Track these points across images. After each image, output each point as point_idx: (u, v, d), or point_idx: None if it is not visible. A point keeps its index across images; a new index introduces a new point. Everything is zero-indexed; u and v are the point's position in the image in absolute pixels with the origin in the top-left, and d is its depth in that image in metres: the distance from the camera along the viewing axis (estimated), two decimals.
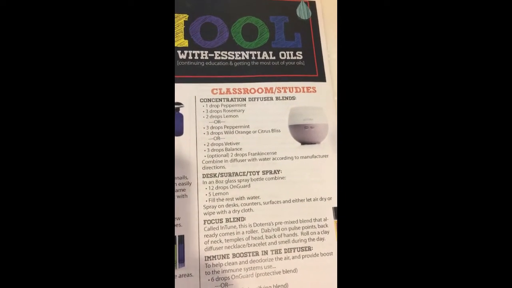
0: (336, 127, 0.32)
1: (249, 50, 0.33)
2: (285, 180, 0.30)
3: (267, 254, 0.28)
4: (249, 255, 0.27)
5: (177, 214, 0.27)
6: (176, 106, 0.30)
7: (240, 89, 0.32)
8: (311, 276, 0.28)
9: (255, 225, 0.28)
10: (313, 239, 0.29)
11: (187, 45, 0.32)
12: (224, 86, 0.32)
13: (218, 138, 0.30)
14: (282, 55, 0.34)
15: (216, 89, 0.31)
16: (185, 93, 0.31)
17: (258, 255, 0.27)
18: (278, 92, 0.32)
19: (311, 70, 0.34)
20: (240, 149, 0.30)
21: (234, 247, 0.27)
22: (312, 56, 0.34)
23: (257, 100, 0.32)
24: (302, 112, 0.32)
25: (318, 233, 0.29)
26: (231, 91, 0.32)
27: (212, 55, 0.32)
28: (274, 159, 0.30)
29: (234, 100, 0.31)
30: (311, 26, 0.35)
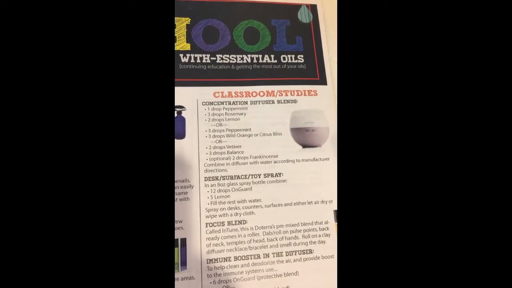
0: (337, 130, 0.32)
1: (251, 53, 0.33)
2: (287, 183, 0.30)
3: (268, 257, 0.28)
4: (251, 258, 0.27)
5: (179, 217, 0.27)
6: (178, 109, 0.30)
7: (242, 92, 0.32)
8: (312, 279, 0.28)
9: (256, 228, 0.28)
10: (314, 242, 0.29)
11: (189, 49, 0.32)
12: (226, 89, 0.32)
13: (220, 141, 0.30)
14: (284, 58, 0.34)
15: (218, 93, 0.32)
16: (187, 96, 0.31)
17: (259, 258, 0.28)
18: (279, 95, 0.32)
19: (313, 73, 0.34)
20: (242, 152, 0.30)
21: (235, 250, 0.28)
22: (313, 59, 0.34)
23: (259, 103, 0.32)
24: (303, 115, 0.32)
25: (319, 236, 0.29)
26: (233, 94, 0.32)
27: (214, 58, 0.32)
28: (275, 162, 0.30)
29: (235, 103, 0.32)
30: (313, 30, 0.35)
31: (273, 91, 0.32)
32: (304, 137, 0.31)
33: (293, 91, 0.33)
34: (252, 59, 0.33)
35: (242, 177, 0.29)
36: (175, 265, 0.26)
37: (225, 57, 0.33)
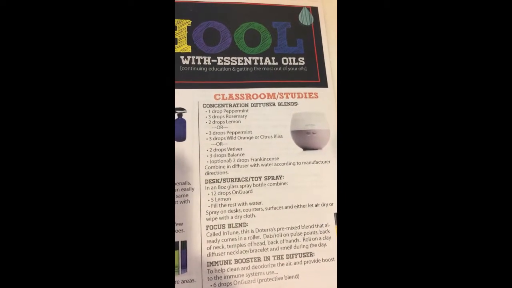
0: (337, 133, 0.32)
1: (252, 55, 0.33)
2: (287, 185, 0.30)
3: (269, 259, 0.28)
4: (251, 261, 0.27)
5: (179, 219, 0.27)
6: (179, 111, 0.30)
7: (243, 94, 0.32)
8: (313, 282, 0.28)
9: (257, 230, 0.28)
10: (315, 245, 0.29)
11: (190, 51, 0.32)
12: (226, 91, 0.32)
13: (221, 143, 0.30)
14: (285, 60, 0.34)
15: (219, 95, 0.32)
16: (188, 98, 0.31)
17: (260, 260, 0.28)
18: (280, 97, 0.32)
19: (313, 76, 0.34)
20: (243, 154, 0.30)
21: (236, 252, 0.27)
22: (314, 62, 0.34)
23: (260, 106, 0.32)
24: (304, 118, 0.32)
25: (320, 238, 0.29)
26: (234, 96, 0.32)
27: (215, 60, 0.32)
28: (276, 164, 0.30)
29: (236, 105, 0.31)
30: (313, 32, 0.35)
31: (274, 94, 0.32)
32: (304, 139, 0.31)
33: (294, 93, 0.33)
34: (253, 61, 0.33)
35: (243, 179, 0.29)
36: (176, 268, 0.26)
37: (226, 59, 0.33)
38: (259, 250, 0.28)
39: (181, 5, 0.33)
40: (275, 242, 0.28)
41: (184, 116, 0.30)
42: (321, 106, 0.33)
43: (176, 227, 0.27)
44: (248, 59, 0.33)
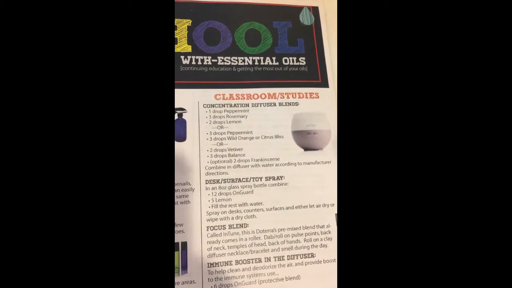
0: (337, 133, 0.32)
1: (252, 55, 0.33)
2: (288, 186, 0.30)
3: (270, 261, 0.28)
4: (252, 262, 0.27)
5: (180, 220, 0.27)
6: (179, 111, 0.30)
7: (243, 94, 0.32)
8: (314, 283, 0.28)
9: (258, 231, 0.28)
10: (316, 246, 0.29)
11: (190, 51, 0.32)
12: (227, 91, 0.32)
13: (221, 144, 0.30)
14: (285, 60, 0.34)
15: (219, 95, 0.31)
16: (188, 98, 0.31)
17: (261, 262, 0.27)
18: (281, 97, 0.32)
19: (314, 76, 0.34)
20: (243, 155, 0.30)
21: (237, 253, 0.27)
22: (315, 62, 0.34)
23: (260, 106, 0.32)
24: (305, 118, 0.32)
25: (321, 239, 0.29)
26: (234, 96, 0.32)
27: (215, 60, 0.32)
28: (277, 165, 0.30)
29: (237, 105, 0.31)
30: (314, 32, 0.35)
31: (274, 94, 0.32)
32: (305, 140, 0.31)
33: (295, 93, 0.33)
34: (253, 61, 0.33)
35: (243, 180, 0.29)
36: (176, 269, 0.26)
37: (227, 59, 0.32)
38: (260, 251, 0.28)
39: (181, 5, 0.33)
40: (276, 243, 0.28)
41: (185, 116, 0.30)
42: (322, 106, 0.33)
43: (176, 228, 0.27)
44: (249, 59, 0.33)
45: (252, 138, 0.31)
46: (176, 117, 0.30)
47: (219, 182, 0.29)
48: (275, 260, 0.28)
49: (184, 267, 0.26)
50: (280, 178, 0.30)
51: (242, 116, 0.31)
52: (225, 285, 0.26)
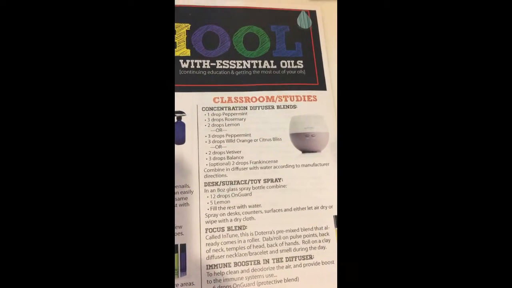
0: (337, 135, 0.32)
1: (251, 59, 0.33)
2: (286, 188, 0.30)
3: (268, 262, 0.28)
4: (251, 264, 0.27)
5: (179, 222, 0.27)
6: (178, 114, 0.30)
7: (242, 97, 0.32)
8: (312, 285, 0.28)
9: (256, 233, 0.28)
10: (314, 248, 0.29)
11: (189, 54, 0.33)
12: (225, 95, 0.32)
13: (220, 146, 0.30)
14: (283, 64, 0.34)
15: (218, 98, 0.32)
16: (187, 101, 0.31)
17: (259, 263, 0.28)
18: (279, 100, 0.33)
19: (312, 79, 0.34)
20: (242, 157, 0.30)
21: (235, 255, 0.27)
22: (312, 65, 0.34)
23: (258, 109, 0.32)
24: (303, 121, 0.32)
25: (319, 241, 0.29)
26: (233, 99, 0.32)
27: (214, 64, 0.33)
28: (275, 167, 0.30)
29: (235, 108, 0.32)
30: (312, 35, 0.35)
31: (272, 97, 0.33)
32: (303, 142, 0.32)
33: (293, 96, 0.33)
34: (251, 64, 0.33)
35: (242, 182, 0.30)
36: (175, 271, 0.26)
37: (225, 62, 0.33)
38: (258, 253, 0.28)
39: (180, 9, 0.34)
40: (274, 245, 0.28)
41: (184, 119, 0.30)
42: (319, 109, 0.33)
43: (176, 230, 0.27)
44: (247, 63, 0.33)
45: (250, 140, 0.31)
46: (175, 120, 0.30)
47: (217, 185, 0.29)
48: (274, 262, 0.28)
49: (183, 269, 0.26)
50: (278, 180, 0.30)
51: (241, 119, 0.31)
52: (223, 287, 0.27)
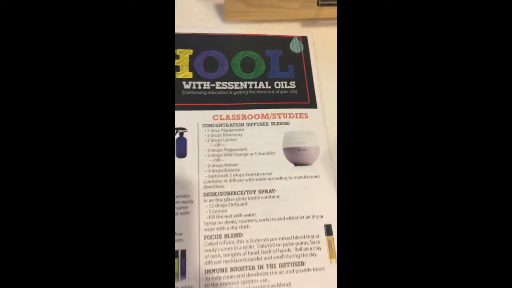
0: (327, 149, 0.35)
1: (247, 80, 0.37)
2: (280, 198, 0.32)
3: (262, 268, 0.30)
4: (246, 269, 0.29)
5: (179, 229, 0.30)
6: (180, 130, 0.33)
7: (239, 115, 0.35)
8: None
9: (251, 240, 0.30)
10: (306, 255, 0.30)
11: (192, 77, 0.36)
12: (224, 112, 0.35)
13: (218, 159, 0.33)
14: (277, 84, 0.37)
15: (217, 116, 0.35)
16: (189, 119, 0.34)
17: (254, 269, 0.29)
18: (273, 118, 0.35)
19: (303, 98, 0.37)
20: (238, 170, 0.33)
21: (232, 261, 0.29)
22: (304, 85, 0.37)
23: (254, 125, 0.35)
24: (295, 136, 0.35)
25: (311, 249, 0.31)
26: (231, 117, 0.35)
27: (214, 85, 0.36)
28: (269, 179, 0.33)
29: (233, 125, 0.34)
30: (303, 59, 0.39)
31: (267, 114, 0.35)
32: (296, 156, 0.34)
33: (286, 114, 0.36)
34: (248, 85, 0.36)
35: (238, 193, 0.32)
36: (175, 275, 0.28)
37: (224, 83, 0.36)
38: (253, 259, 0.30)
39: (184, 37, 0.37)
40: (268, 252, 0.30)
41: (185, 135, 0.33)
42: (311, 126, 0.36)
43: (176, 237, 0.29)
44: (244, 84, 0.36)
45: (246, 154, 0.33)
46: (178, 136, 0.33)
47: (216, 195, 0.31)
48: (268, 268, 0.30)
49: (183, 273, 0.28)
50: (272, 191, 0.32)
51: (238, 135, 0.34)
52: None
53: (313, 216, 0.32)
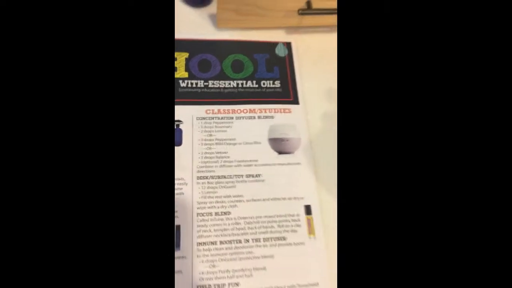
0: (308, 140, 0.39)
1: (237, 80, 0.41)
2: (265, 182, 0.36)
3: (248, 242, 0.33)
4: (234, 243, 0.33)
5: (175, 208, 0.34)
6: (177, 122, 0.38)
7: (229, 110, 0.39)
8: (285, 262, 0.33)
9: (239, 218, 0.34)
10: (287, 231, 0.34)
11: (187, 76, 0.40)
12: (216, 107, 0.39)
13: (210, 148, 0.37)
14: (263, 83, 0.42)
15: (209, 110, 0.39)
16: (184, 112, 0.38)
17: (241, 242, 0.33)
18: (259, 112, 0.40)
19: (287, 95, 0.41)
20: (228, 157, 0.37)
21: (221, 235, 0.33)
22: (287, 84, 0.42)
23: (242, 119, 0.39)
24: (279, 128, 0.39)
25: (292, 226, 0.34)
26: (222, 111, 0.39)
27: (207, 83, 0.40)
28: (256, 165, 0.37)
29: (223, 118, 0.39)
30: (287, 62, 0.44)
31: (254, 109, 0.40)
32: (279, 145, 0.38)
33: (271, 109, 0.40)
34: (237, 84, 0.41)
35: (228, 177, 0.36)
36: None
37: (216, 82, 0.41)
38: (240, 234, 0.33)
39: (181, 42, 0.42)
40: (253, 228, 0.34)
41: (181, 126, 0.38)
42: (293, 119, 0.40)
43: None
44: (234, 83, 0.41)
45: (235, 143, 0.38)
46: (174, 127, 0.37)
47: (207, 178, 0.35)
48: (253, 242, 0.33)
49: (178, 245, 0.32)
50: (258, 176, 0.36)
51: (228, 127, 0.38)
52: (210, 261, 0.32)
53: (295, 198, 0.36)
